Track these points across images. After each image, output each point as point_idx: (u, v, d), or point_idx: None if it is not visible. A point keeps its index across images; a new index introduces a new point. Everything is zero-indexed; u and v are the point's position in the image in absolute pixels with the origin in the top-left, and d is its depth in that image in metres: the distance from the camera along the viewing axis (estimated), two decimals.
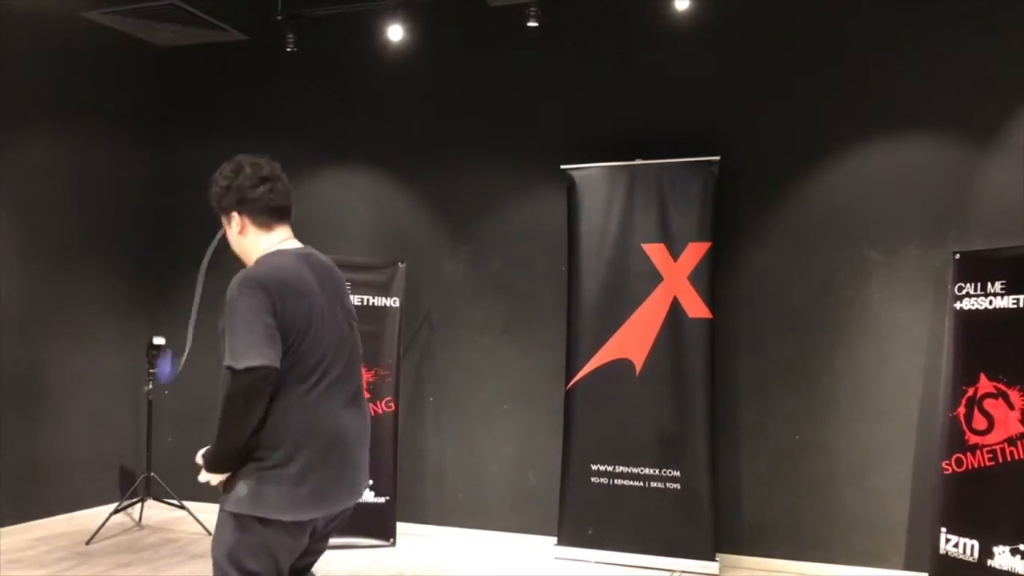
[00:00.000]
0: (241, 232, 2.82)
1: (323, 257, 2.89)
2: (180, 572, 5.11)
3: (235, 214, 2.81)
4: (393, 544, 5.73)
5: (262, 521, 2.62)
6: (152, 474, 6.10)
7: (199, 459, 2.67)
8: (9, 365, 5.88)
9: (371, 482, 5.66)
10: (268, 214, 2.80)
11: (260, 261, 2.73)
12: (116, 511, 6.00)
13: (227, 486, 2.66)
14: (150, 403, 6.18)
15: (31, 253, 6.03)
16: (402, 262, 5.90)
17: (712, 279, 5.33)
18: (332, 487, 2.72)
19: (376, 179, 6.41)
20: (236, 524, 2.64)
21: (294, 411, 2.64)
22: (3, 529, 5.78)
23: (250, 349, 2.51)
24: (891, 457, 5.15)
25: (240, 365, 2.49)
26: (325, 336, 2.73)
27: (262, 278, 2.62)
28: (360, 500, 5.71)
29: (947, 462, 4.73)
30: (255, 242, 2.81)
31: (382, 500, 5.72)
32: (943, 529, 4.72)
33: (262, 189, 2.78)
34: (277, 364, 2.55)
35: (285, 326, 2.60)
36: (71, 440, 6.31)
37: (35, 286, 6.06)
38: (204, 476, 2.65)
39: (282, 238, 2.83)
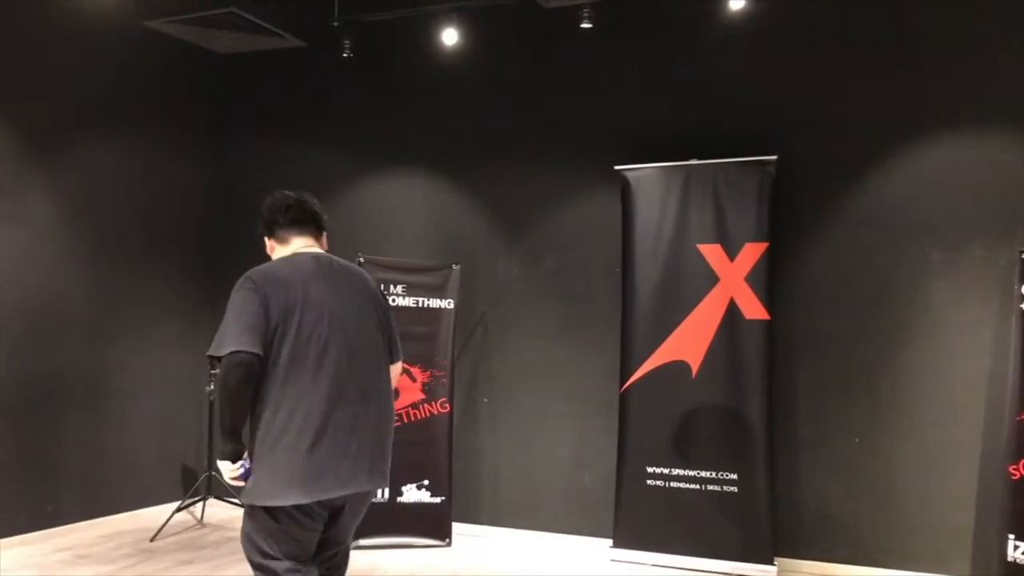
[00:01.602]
0: (270, 251, 3.23)
1: (343, 261, 3.20)
2: (240, 570, 5.19)
3: (267, 239, 3.23)
4: (449, 544, 5.76)
5: (265, 509, 2.90)
6: (213, 473, 6.20)
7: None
8: (75, 366, 6.04)
9: (426, 482, 5.71)
10: (287, 229, 3.18)
11: None
12: (179, 509, 6.12)
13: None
14: (211, 403, 6.30)
15: (96, 256, 6.19)
16: (456, 264, 5.94)
17: (770, 280, 5.26)
18: (318, 475, 2.88)
19: (431, 182, 6.46)
20: (248, 512, 3.03)
21: (278, 400, 2.88)
22: (71, 525, 5.93)
23: (229, 337, 2.82)
24: (955, 461, 5.03)
25: (221, 352, 2.81)
26: (316, 329, 2.93)
27: (251, 273, 2.99)
28: (415, 500, 5.78)
29: (1014, 467, 4.61)
30: (275, 255, 3.20)
31: (438, 500, 5.76)
32: (1011, 536, 4.60)
33: (283, 211, 3.18)
34: (255, 350, 2.81)
35: (269, 314, 2.87)
36: (135, 439, 6.46)
37: (100, 289, 6.22)
38: (223, 469, 2.95)
39: (298, 247, 3.16)
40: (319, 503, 2.92)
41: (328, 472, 2.90)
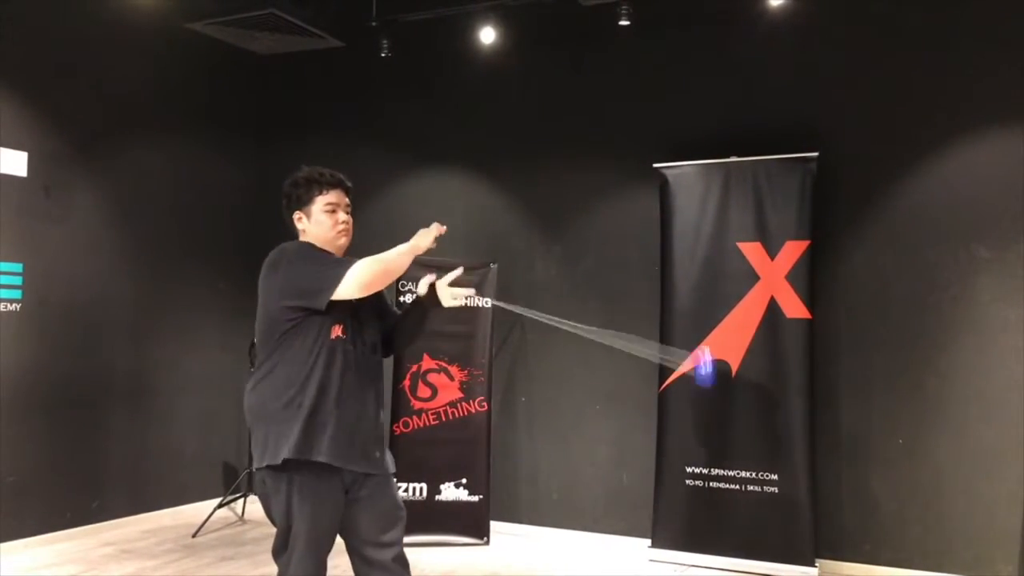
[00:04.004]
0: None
1: None
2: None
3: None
4: (487, 543, 5.77)
5: None
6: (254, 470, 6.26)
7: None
8: (120, 364, 6.13)
9: (464, 480, 5.73)
10: None
11: None
12: (220, 506, 6.19)
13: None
14: None
15: (141, 256, 6.28)
16: (494, 263, 5.94)
17: (811, 278, 5.20)
18: None
19: (469, 180, 6.47)
20: None
21: None
22: (116, 521, 6.02)
23: None
24: (1001, 463, 4.93)
25: None
26: None
27: None
28: (453, 498, 5.82)
29: None
30: None
31: (476, 499, 5.77)
32: None
33: None
34: None
35: None
36: (178, 437, 6.55)
37: (144, 289, 6.30)
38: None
39: None
40: None
41: None
